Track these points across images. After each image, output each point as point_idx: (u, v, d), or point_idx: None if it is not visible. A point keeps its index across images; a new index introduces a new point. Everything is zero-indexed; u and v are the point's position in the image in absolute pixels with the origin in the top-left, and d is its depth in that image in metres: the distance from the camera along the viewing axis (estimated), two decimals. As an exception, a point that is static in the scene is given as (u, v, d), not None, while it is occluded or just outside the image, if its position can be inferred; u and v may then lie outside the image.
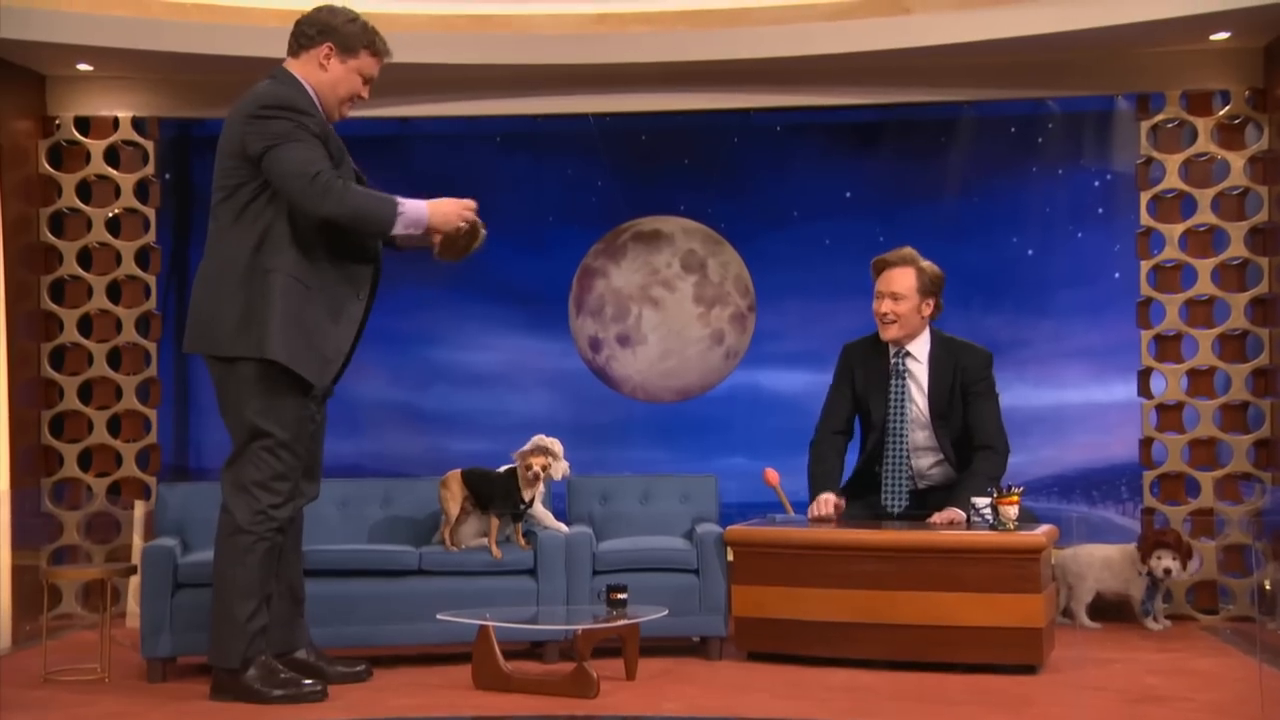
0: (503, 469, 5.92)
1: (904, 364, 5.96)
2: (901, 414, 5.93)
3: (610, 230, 7.86)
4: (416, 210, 4.95)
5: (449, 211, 5.01)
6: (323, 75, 5.07)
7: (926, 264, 5.93)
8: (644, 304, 7.87)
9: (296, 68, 5.09)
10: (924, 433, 5.93)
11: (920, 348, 5.97)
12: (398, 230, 4.96)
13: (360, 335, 5.19)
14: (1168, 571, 6.45)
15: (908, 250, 5.95)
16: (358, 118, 5.61)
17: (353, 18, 5.13)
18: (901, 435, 5.92)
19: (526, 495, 5.84)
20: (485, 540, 5.85)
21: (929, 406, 5.91)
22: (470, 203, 5.06)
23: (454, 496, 5.86)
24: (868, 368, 6.02)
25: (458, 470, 5.94)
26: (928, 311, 5.93)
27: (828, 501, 5.89)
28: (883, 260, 5.97)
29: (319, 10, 5.16)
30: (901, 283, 5.88)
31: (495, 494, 5.84)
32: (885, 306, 5.90)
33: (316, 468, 5.31)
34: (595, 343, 7.88)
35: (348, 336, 5.10)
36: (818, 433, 6.10)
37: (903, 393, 5.93)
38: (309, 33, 5.10)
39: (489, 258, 7.65)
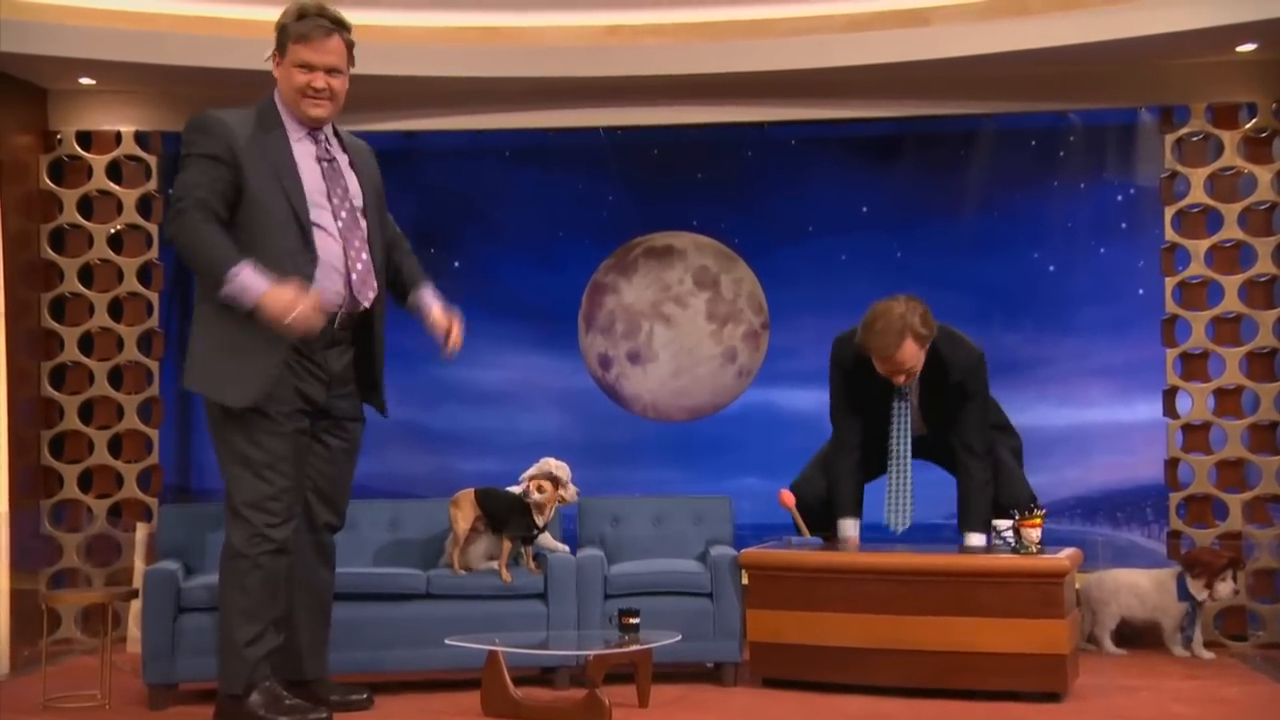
0: (516, 489, 5.84)
1: (904, 388, 5.81)
2: (904, 437, 5.82)
3: (621, 245, 7.77)
4: (249, 287, 4.64)
5: (278, 307, 4.62)
6: (280, 81, 4.99)
7: (912, 316, 5.53)
8: (655, 321, 7.76)
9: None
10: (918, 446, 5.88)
11: None
12: (225, 293, 4.66)
13: (373, 348, 5.11)
14: (1236, 593, 6.44)
15: (891, 322, 5.51)
16: (362, 130, 5.53)
17: (287, 12, 4.98)
18: (905, 458, 5.82)
19: (537, 519, 5.77)
20: (494, 563, 5.78)
21: (924, 422, 5.85)
22: (311, 304, 4.66)
23: (465, 516, 5.80)
24: (862, 385, 5.81)
25: (470, 490, 5.87)
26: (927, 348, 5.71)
27: (853, 530, 5.87)
28: (879, 355, 5.57)
29: None
30: (911, 358, 5.59)
31: (510, 516, 5.76)
32: (903, 380, 5.69)
33: (339, 499, 5.22)
34: (605, 360, 7.78)
35: (279, 354, 4.82)
36: (835, 445, 5.96)
37: (904, 415, 5.82)
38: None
39: (499, 273, 7.68)
